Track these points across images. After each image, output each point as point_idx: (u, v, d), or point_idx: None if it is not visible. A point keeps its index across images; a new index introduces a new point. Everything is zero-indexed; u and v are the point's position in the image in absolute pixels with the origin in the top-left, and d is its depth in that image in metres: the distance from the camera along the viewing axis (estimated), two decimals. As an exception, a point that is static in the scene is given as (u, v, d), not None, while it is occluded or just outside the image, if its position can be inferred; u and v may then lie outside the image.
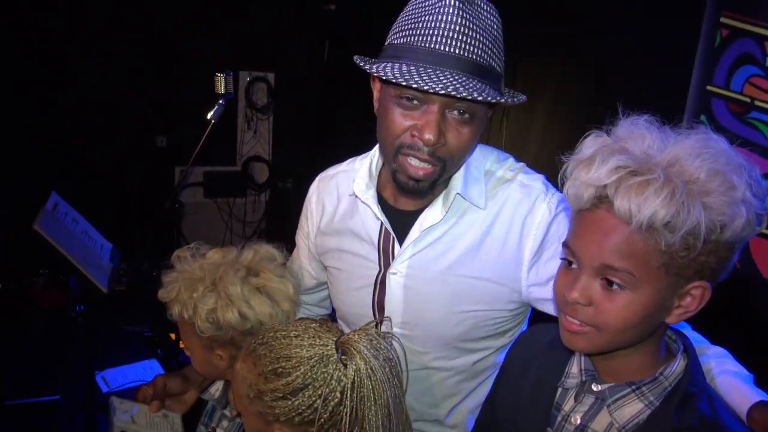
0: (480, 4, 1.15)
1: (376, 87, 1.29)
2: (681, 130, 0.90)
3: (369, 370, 1.04)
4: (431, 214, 1.30)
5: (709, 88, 3.28)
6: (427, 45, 1.12)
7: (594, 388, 1.00)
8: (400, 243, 1.34)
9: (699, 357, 1.02)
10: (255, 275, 1.33)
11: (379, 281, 1.37)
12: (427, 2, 1.15)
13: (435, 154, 1.18)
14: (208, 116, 3.48)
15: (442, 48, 1.11)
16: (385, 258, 1.36)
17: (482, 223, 1.29)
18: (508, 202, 1.30)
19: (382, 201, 1.37)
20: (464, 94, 1.07)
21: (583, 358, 1.04)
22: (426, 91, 1.11)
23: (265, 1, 5.15)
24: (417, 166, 1.19)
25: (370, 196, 1.35)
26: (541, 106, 4.72)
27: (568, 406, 1.04)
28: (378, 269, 1.37)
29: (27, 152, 4.42)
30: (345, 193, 1.45)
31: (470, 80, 1.11)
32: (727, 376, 1.03)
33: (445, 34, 1.11)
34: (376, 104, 1.29)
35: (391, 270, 1.34)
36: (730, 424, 0.92)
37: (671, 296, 0.89)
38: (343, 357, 1.05)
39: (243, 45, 5.12)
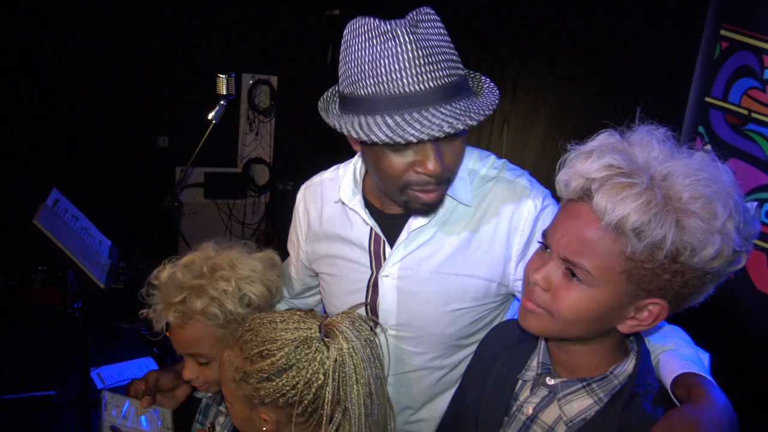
0: (423, 21, 1.10)
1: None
2: (692, 151, 0.90)
3: (351, 349, 1.08)
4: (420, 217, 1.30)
5: (707, 99, 3.29)
6: (399, 90, 1.07)
7: (548, 381, 1.04)
8: (391, 245, 1.34)
9: (652, 345, 1.05)
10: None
11: (371, 284, 1.38)
12: (375, 41, 1.08)
13: (441, 178, 1.17)
14: (209, 117, 3.50)
15: (414, 87, 1.07)
16: (377, 261, 1.37)
17: (470, 222, 1.30)
18: (494, 200, 1.30)
19: (369, 206, 1.37)
20: (461, 127, 1.06)
21: (542, 351, 1.07)
22: (424, 141, 1.09)
23: (269, 5, 5.19)
24: (429, 195, 1.19)
25: (357, 202, 1.35)
26: (541, 114, 4.75)
27: (523, 396, 1.07)
28: (370, 272, 1.38)
29: (30, 149, 4.44)
30: (330, 200, 1.45)
31: (455, 106, 1.09)
32: (664, 355, 1.04)
33: (413, 71, 1.06)
34: (354, 145, 1.25)
35: (383, 272, 1.35)
36: None
37: (628, 305, 0.90)
38: (326, 339, 1.09)
39: (247, 48, 5.16)
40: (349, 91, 1.13)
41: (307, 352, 1.07)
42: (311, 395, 1.06)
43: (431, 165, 1.12)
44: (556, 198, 1.33)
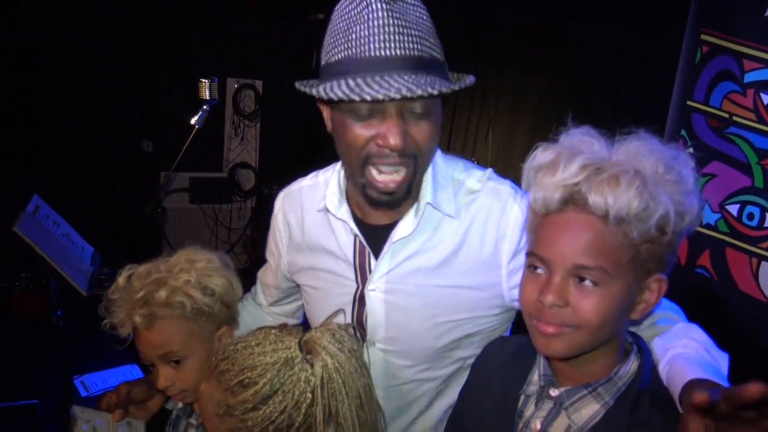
0: (402, 1, 1.12)
1: (324, 107, 1.26)
2: (618, 138, 0.94)
3: (336, 364, 1.04)
4: (402, 227, 1.27)
5: (689, 103, 3.32)
6: (366, 54, 1.08)
7: (552, 393, 1.02)
8: (376, 257, 1.30)
9: (654, 340, 1.04)
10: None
11: (357, 298, 1.33)
12: (352, 12, 1.11)
13: (405, 153, 1.15)
14: (192, 122, 3.47)
15: (381, 53, 1.08)
16: (362, 274, 1.33)
17: (457, 232, 1.27)
18: (480, 209, 1.28)
19: (354, 217, 1.33)
20: (419, 93, 1.05)
21: (542, 364, 1.05)
22: (381, 101, 1.08)
23: (254, 10, 5.17)
24: (387, 178, 1.17)
25: (344, 212, 1.32)
26: (524, 120, 4.77)
27: (528, 412, 1.05)
28: (356, 286, 1.34)
29: (10, 154, 4.38)
30: (310, 209, 1.41)
31: (419, 77, 1.09)
32: (672, 364, 0.98)
33: (381, 38, 1.08)
34: (328, 124, 1.26)
35: (369, 286, 1.31)
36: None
37: (637, 291, 0.92)
38: (308, 356, 1.04)
39: (232, 52, 5.14)
40: (324, 61, 1.15)
41: (290, 373, 1.02)
42: (301, 416, 1.02)
43: (392, 137, 1.11)
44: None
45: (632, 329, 1.07)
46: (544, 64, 4.50)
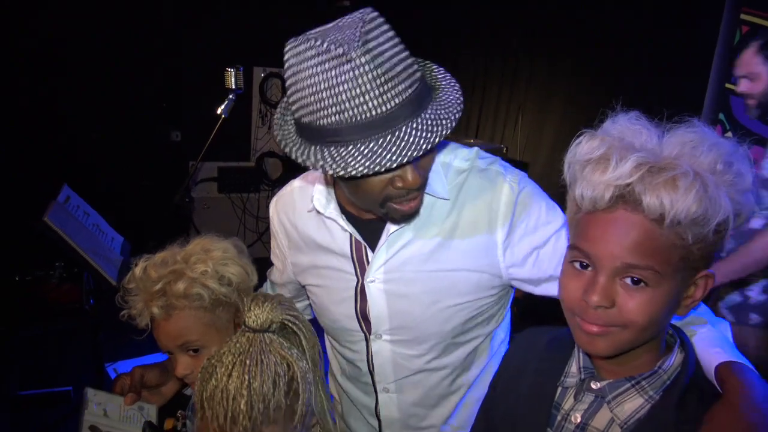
0: (372, 31, 1.01)
1: None
2: (667, 125, 0.89)
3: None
4: None
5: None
6: (366, 115, 1.00)
7: (593, 385, 0.99)
8: (372, 250, 1.31)
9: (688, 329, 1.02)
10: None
11: (358, 291, 1.35)
12: (326, 67, 0.99)
13: (421, 186, 1.17)
14: (218, 111, 3.49)
15: (381, 109, 1.00)
16: (361, 267, 1.34)
17: (449, 215, 1.27)
18: (470, 190, 1.27)
19: (345, 212, 1.32)
20: (437, 140, 1.02)
21: (581, 356, 1.02)
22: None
23: (280, -3, 5.18)
24: (410, 204, 1.16)
25: (333, 210, 1.31)
26: (555, 105, 4.69)
27: (567, 404, 1.02)
28: (356, 279, 1.35)
29: (41, 146, 4.47)
30: (303, 209, 1.40)
31: (425, 117, 1.04)
32: (699, 341, 0.98)
33: (375, 93, 0.99)
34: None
35: (368, 278, 1.32)
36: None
37: (683, 289, 0.89)
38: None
39: (259, 41, 5.14)
40: (308, 120, 1.05)
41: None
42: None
43: (411, 178, 1.08)
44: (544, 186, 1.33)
45: None
46: (576, 48, 4.41)
